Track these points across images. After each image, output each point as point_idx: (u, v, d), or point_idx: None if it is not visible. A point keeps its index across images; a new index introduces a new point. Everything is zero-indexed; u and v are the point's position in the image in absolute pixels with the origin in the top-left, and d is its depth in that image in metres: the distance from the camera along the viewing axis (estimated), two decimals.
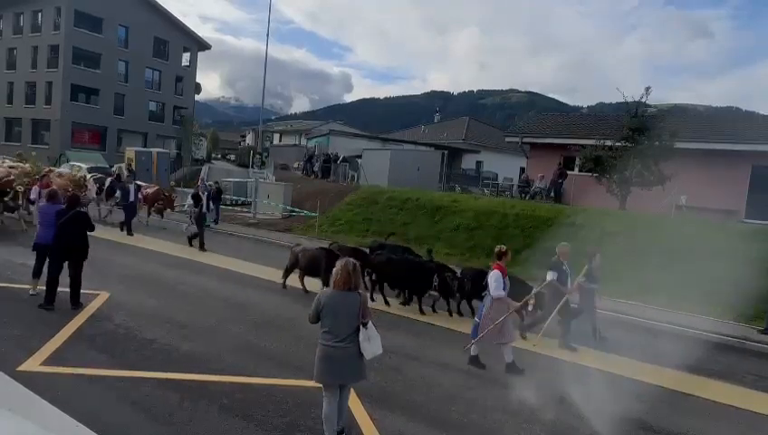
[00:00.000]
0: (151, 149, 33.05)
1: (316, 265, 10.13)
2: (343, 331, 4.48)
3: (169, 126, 46.38)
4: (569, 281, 8.30)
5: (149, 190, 18.62)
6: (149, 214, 18.39)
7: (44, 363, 5.84)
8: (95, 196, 17.57)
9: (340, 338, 4.47)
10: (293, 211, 21.83)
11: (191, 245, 14.59)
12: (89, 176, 18.80)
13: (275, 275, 12.02)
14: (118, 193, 16.66)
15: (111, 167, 28.15)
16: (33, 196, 12.98)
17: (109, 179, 18.21)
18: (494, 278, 6.95)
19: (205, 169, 30.47)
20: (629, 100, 17.60)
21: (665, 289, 11.10)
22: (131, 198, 16.25)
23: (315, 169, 30.29)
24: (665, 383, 7.07)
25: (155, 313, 8.13)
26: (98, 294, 8.69)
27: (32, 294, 8.17)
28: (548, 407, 5.90)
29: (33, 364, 5.77)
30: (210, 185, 21.67)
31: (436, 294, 9.77)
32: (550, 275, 8.18)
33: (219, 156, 49.99)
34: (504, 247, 7.27)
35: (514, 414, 5.76)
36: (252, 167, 27.75)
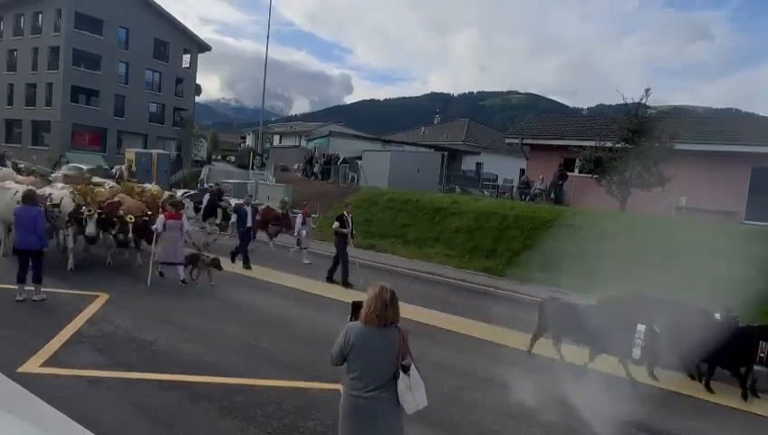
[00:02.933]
0: (151, 151, 33.05)
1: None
2: (378, 377, 3.54)
3: (169, 127, 46.39)
4: None
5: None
6: (254, 237, 14.75)
7: (44, 365, 5.84)
8: (193, 215, 14.52)
9: (372, 386, 3.52)
10: (293, 213, 21.82)
11: (332, 280, 11.74)
12: (180, 193, 15.83)
13: (273, 275, 11.96)
14: (234, 217, 13.51)
15: (112, 168, 28.20)
16: (158, 227, 10.09)
17: (206, 196, 15.21)
18: None
19: (205, 170, 30.52)
20: (629, 101, 17.62)
21: (665, 290, 11.07)
22: (249, 223, 13.18)
23: (315, 170, 30.31)
24: (665, 385, 7.06)
25: (154, 314, 8.13)
26: (97, 296, 8.68)
27: (18, 300, 7.92)
28: (548, 409, 5.89)
29: (32, 366, 5.77)
30: (210, 186, 21.65)
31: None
32: None
33: (219, 157, 50.00)
34: None
35: (514, 416, 5.76)
36: (252, 168, 27.80)
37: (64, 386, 5.35)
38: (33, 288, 8.10)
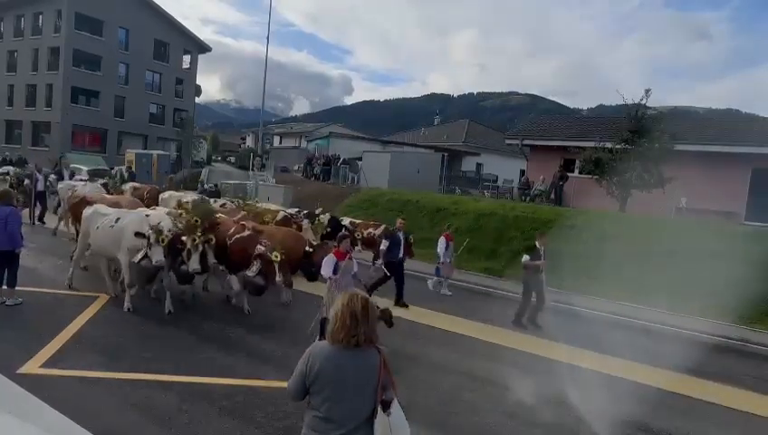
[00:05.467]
0: (151, 152, 33.10)
1: None
2: (349, 416, 2.72)
3: (170, 128, 46.42)
4: None
5: (375, 232, 12.54)
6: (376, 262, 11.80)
7: (44, 366, 5.83)
8: (313, 238, 11.17)
9: (342, 429, 2.71)
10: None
11: (521, 323, 9.65)
12: (293, 210, 12.87)
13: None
14: (384, 244, 10.49)
15: (112, 169, 28.22)
16: (326, 272, 7.21)
17: (326, 215, 12.74)
18: None
19: (205, 171, 30.51)
20: (629, 102, 17.65)
21: (665, 291, 11.09)
22: (401, 252, 10.47)
23: (315, 171, 30.33)
24: (664, 385, 7.06)
25: (154, 315, 8.11)
26: (97, 297, 8.68)
27: None
28: (547, 409, 5.89)
29: (32, 367, 5.76)
30: (210, 187, 21.64)
31: None
32: None
33: (219, 158, 50.02)
34: None
35: (514, 416, 5.76)
36: (252, 169, 27.82)
37: (64, 387, 5.35)
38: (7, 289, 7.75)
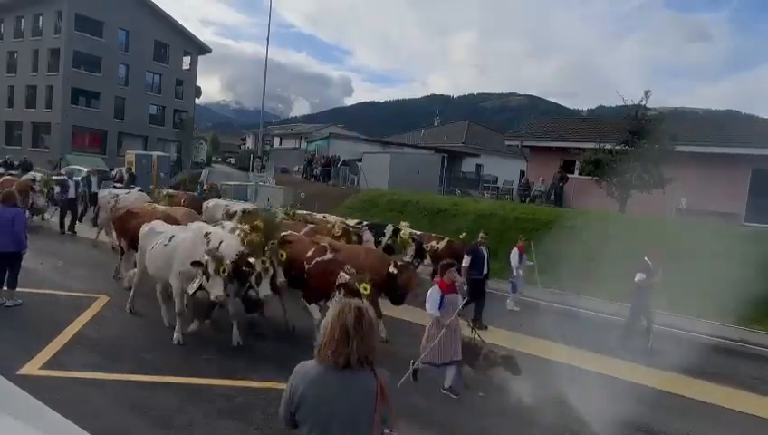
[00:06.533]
0: (152, 153, 33.09)
1: None
2: None
3: (170, 129, 46.46)
4: None
5: (438, 246, 11.22)
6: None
7: (44, 367, 5.83)
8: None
9: None
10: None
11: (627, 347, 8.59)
12: (353, 221, 11.50)
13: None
14: (466, 260, 9.33)
15: (112, 170, 28.22)
16: (432, 308, 6.10)
17: (390, 227, 11.35)
18: None
19: (205, 172, 30.53)
20: (629, 103, 17.65)
21: (664, 292, 11.08)
22: (486, 269, 9.53)
23: (316, 172, 30.37)
24: (664, 386, 7.06)
25: (154, 316, 8.10)
26: (97, 298, 8.67)
27: None
28: (548, 410, 5.89)
29: (32, 368, 5.77)
30: (205, 189, 21.61)
31: None
32: None
33: (219, 159, 50.03)
34: None
35: (514, 418, 5.76)
36: (252, 170, 27.85)
37: (64, 388, 5.35)
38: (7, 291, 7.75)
